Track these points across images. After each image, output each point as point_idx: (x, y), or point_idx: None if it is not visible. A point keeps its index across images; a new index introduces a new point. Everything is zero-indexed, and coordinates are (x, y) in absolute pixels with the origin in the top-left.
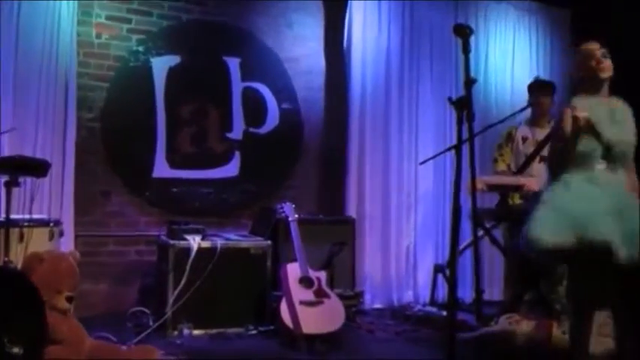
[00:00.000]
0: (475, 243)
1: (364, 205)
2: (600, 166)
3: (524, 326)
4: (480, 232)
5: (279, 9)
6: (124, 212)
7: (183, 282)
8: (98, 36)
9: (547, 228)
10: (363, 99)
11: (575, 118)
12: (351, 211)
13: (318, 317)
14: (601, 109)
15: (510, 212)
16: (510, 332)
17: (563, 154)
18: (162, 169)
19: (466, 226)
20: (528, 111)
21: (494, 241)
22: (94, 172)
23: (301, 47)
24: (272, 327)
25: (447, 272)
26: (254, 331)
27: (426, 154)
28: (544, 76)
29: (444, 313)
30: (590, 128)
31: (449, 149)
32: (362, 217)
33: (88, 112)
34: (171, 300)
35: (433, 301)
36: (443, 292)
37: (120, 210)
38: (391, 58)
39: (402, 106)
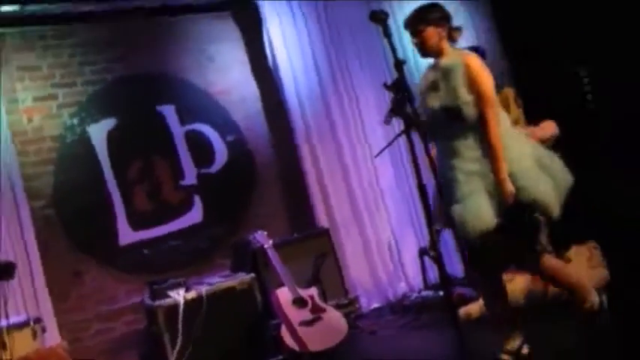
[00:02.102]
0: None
1: (333, 213)
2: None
3: (520, 281)
4: None
5: (197, 45)
6: (101, 287)
7: (179, 340)
8: (30, 120)
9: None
10: (303, 111)
11: None
12: (323, 221)
13: (321, 333)
14: (425, 80)
15: None
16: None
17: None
18: (127, 234)
19: None
20: None
21: None
22: (61, 257)
23: (229, 78)
24: (280, 357)
25: (432, 253)
26: None
27: (379, 146)
28: None
29: (441, 292)
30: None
31: (399, 135)
32: (335, 225)
33: (39, 200)
34: None
35: (427, 285)
36: (434, 274)
37: (97, 286)
38: (320, 64)
39: (342, 107)
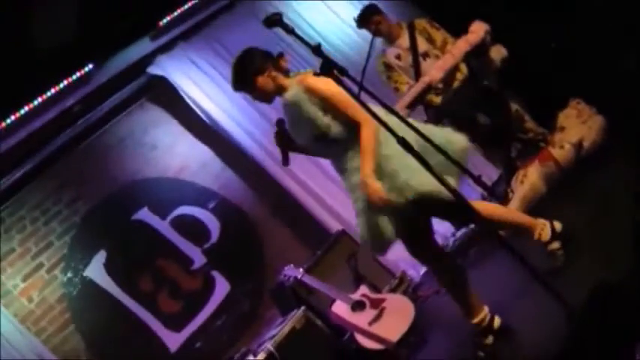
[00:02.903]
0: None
1: (338, 213)
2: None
3: (533, 171)
4: None
5: (133, 142)
6: None
7: None
8: (30, 300)
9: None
10: (256, 140)
11: None
12: (334, 225)
13: (393, 320)
14: (286, 117)
15: (442, 109)
16: None
17: None
18: (173, 339)
19: None
20: (379, 40)
21: None
22: None
23: (179, 153)
24: None
25: None
26: None
27: None
28: None
29: (472, 225)
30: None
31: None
32: (346, 222)
33: None
34: None
35: (456, 226)
36: None
37: None
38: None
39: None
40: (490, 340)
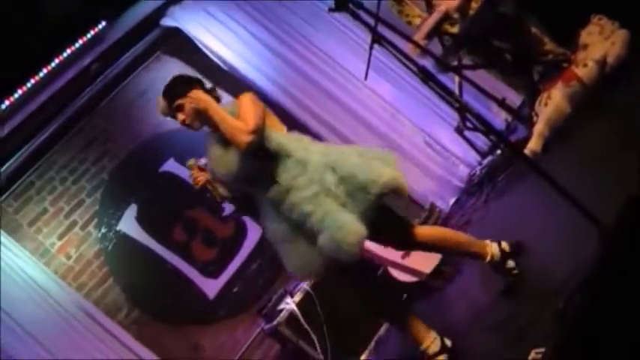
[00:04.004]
0: (460, 85)
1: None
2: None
3: (556, 93)
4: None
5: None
6: (222, 344)
7: (315, 338)
8: (68, 256)
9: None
10: (278, 86)
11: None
12: None
13: (424, 253)
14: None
15: (463, 36)
16: None
17: None
18: (211, 286)
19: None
20: None
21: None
22: (173, 344)
23: None
24: (405, 295)
25: (468, 123)
26: None
27: (360, 70)
28: None
29: (498, 151)
30: None
31: (371, 48)
32: None
33: (120, 312)
34: None
35: (482, 154)
36: (480, 142)
37: (217, 345)
38: (260, 37)
39: (305, 57)
40: (512, 264)
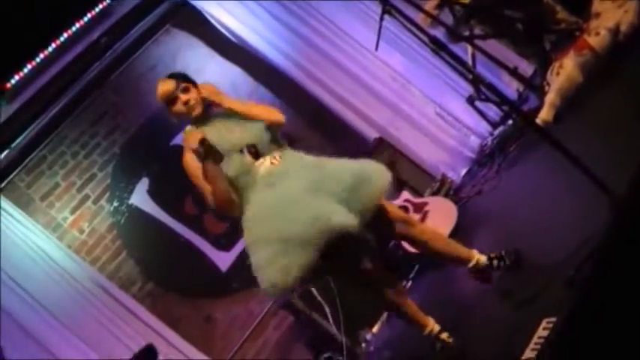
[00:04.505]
0: (473, 56)
1: (373, 120)
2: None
3: (568, 62)
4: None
5: (164, 68)
6: (234, 316)
7: (327, 309)
8: (81, 231)
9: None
10: (288, 58)
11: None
12: (371, 133)
13: (437, 223)
14: (214, 129)
15: (474, 5)
16: None
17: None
18: (223, 259)
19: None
20: None
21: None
22: (185, 315)
23: (209, 76)
24: (417, 266)
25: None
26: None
27: (370, 41)
28: None
29: (510, 121)
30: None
31: (382, 19)
32: (383, 129)
33: (135, 285)
34: None
35: (493, 124)
36: (493, 112)
37: (230, 318)
38: (271, 10)
39: (318, 31)
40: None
